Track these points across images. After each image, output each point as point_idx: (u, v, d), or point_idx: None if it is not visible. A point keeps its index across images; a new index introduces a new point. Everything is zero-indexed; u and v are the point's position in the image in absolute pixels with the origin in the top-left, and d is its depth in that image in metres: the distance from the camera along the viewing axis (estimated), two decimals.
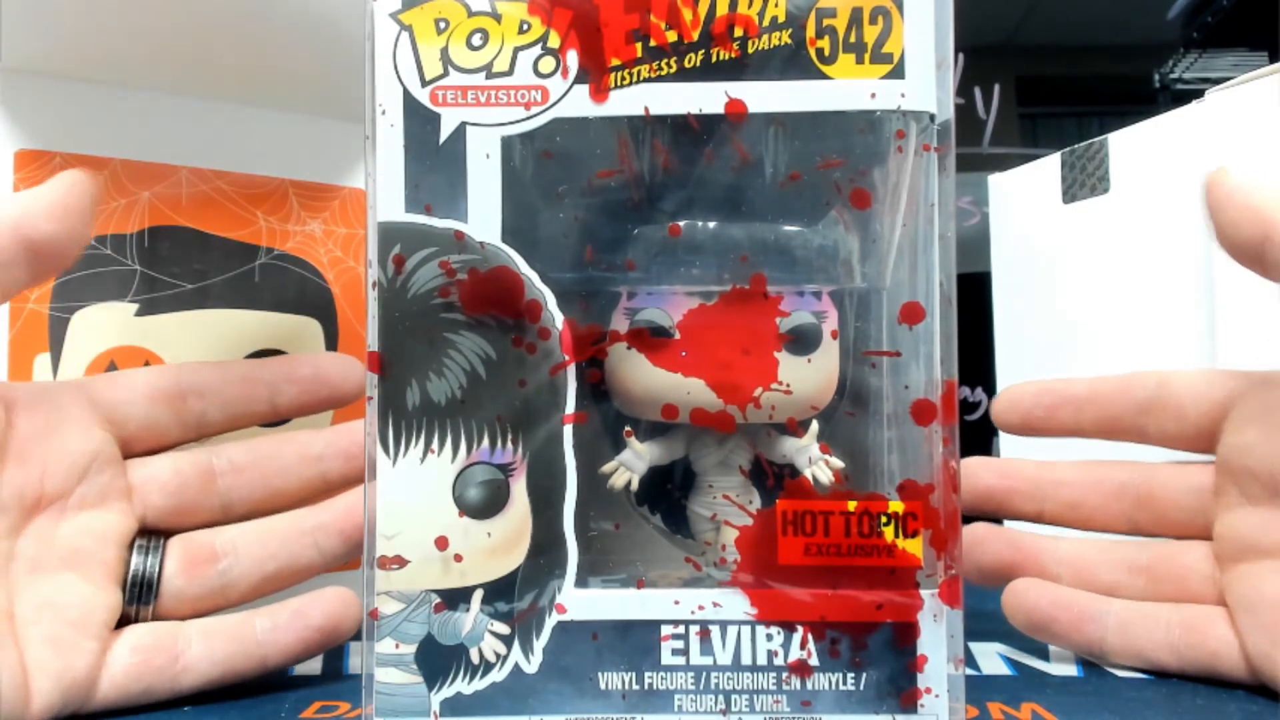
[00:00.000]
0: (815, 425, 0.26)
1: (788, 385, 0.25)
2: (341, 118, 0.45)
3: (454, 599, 0.24)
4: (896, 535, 0.24)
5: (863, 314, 0.26)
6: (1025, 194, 0.51)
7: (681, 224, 0.25)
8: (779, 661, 0.24)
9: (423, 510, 0.24)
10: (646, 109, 0.24)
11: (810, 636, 0.24)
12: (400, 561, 0.24)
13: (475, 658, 0.24)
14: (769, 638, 0.24)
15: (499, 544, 0.24)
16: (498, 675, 0.24)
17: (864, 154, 0.25)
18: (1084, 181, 0.48)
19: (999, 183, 0.53)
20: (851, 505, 0.24)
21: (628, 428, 0.26)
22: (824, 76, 0.24)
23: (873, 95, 0.24)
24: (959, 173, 0.24)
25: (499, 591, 0.24)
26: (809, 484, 0.25)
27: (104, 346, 0.40)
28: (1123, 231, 0.46)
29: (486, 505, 0.24)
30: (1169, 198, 0.43)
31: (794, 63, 0.24)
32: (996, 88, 0.87)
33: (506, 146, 0.24)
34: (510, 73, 0.24)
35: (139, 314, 0.41)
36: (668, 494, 0.27)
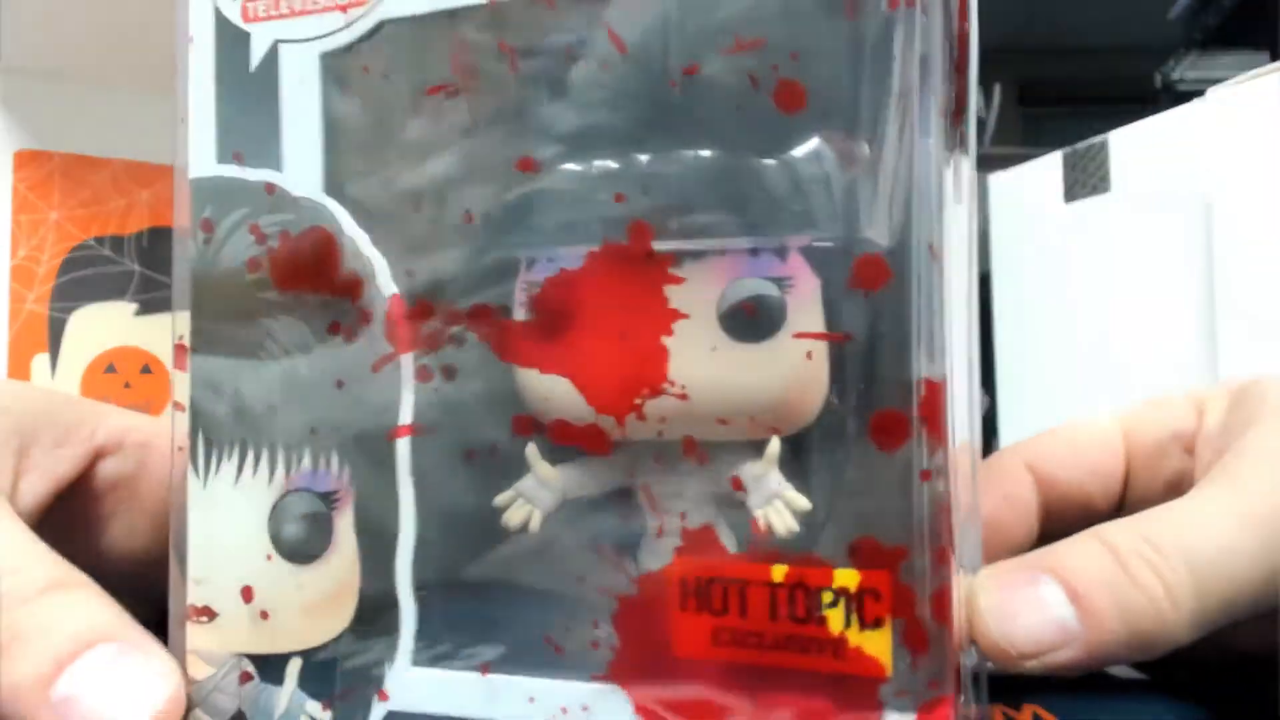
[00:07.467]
0: (775, 445, 0.18)
1: (708, 384, 0.18)
2: None
3: (267, 668, 0.20)
4: (847, 624, 0.17)
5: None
6: (1026, 193, 0.54)
7: (539, 156, 0.19)
8: None
9: (233, 549, 0.21)
10: None
11: None
12: (209, 614, 0.21)
13: None
14: None
15: (316, 600, 0.20)
16: None
17: (793, 24, 0.17)
18: (1084, 180, 0.50)
19: (999, 182, 0.55)
20: (777, 572, 0.17)
21: (531, 443, 0.20)
22: None
23: None
24: None
25: (319, 664, 0.20)
26: (714, 536, 0.18)
27: (103, 347, 0.42)
28: (1123, 231, 0.48)
29: (304, 546, 0.20)
30: (1169, 197, 0.45)
31: None
32: (998, 88, 0.91)
33: (326, 67, 0.20)
34: None
35: (138, 314, 0.43)
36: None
